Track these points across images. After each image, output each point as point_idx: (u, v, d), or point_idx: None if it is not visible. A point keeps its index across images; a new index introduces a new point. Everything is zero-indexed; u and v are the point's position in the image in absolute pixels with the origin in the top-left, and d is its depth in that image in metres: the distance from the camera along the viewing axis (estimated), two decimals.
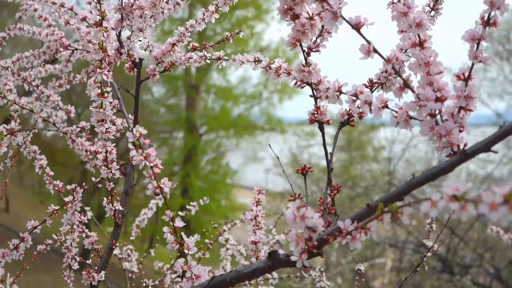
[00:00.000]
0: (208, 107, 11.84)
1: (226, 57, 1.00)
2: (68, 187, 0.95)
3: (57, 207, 0.98)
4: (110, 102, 0.85)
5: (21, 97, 1.30)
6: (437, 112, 0.57)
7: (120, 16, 1.00)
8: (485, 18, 0.57)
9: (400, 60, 0.65)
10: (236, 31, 1.06)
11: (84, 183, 1.00)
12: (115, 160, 0.97)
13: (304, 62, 0.67)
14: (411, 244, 6.72)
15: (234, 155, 12.21)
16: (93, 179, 1.00)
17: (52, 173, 1.17)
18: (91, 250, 1.07)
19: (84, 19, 1.10)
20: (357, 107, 0.71)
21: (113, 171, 0.96)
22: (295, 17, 0.63)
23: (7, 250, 0.94)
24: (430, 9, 0.79)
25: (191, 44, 1.06)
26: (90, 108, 0.86)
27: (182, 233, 0.71)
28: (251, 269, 0.64)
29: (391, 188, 6.52)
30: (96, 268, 0.98)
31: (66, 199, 0.95)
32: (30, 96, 1.30)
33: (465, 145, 0.56)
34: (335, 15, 0.56)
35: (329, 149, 0.72)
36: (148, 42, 1.02)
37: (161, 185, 0.69)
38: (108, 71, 0.81)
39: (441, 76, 0.60)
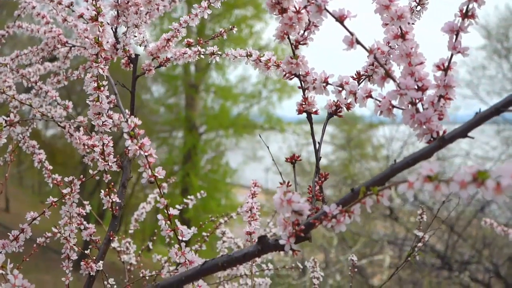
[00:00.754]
0: (208, 107, 11.86)
1: (219, 52, 1.03)
2: (66, 179, 0.97)
3: (55, 199, 1.00)
4: (107, 96, 0.88)
5: (20, 94, 1.33)
6: (417, 100, 0.59)
7: (116, 12, 1.03)
8: (464, 11, 0.60)
9: (382, 51, 0.67)
10: (230, 27, 1.08)
11: (82, 176, 1.03)
12: (112, 153, 1.00)
13: (292, 54, 0.69)
14: (409, 241, 6.75)
15: (234, 154, 12.23)
16: (90, 171, 1.02)
17: (51, 167, 1.20)
18: (90, 241, 1.09)
19: (81, 16, 1.12)
20: (344, 98, 0.74)
21: (110, 164, 0.98)
22: (283, 11, 0.65)
23: (7, 241, 0.96)
24: (416, 4, 0.81)
25: (185, 40, 1.09)
26: (87, 101, 0.89)
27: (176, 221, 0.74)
28: (242, 253, 0.66)
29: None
30: (94, 258, 1.01)
31: (64, 191, 0.98)
32: (29, 93, 1.32)
33: (444, 131, 0.58)
34: (319, 8, 0.59)
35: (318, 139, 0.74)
36: (143, 37, 1.04)
37: (156, 174, 0.71)
38: (104, 65, 0.83)
39: (422, 67, 0.62)
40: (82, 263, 1.04)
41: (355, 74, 0.76)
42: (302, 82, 0.71)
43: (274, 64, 0.80)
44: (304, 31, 0.70)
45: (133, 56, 1.10)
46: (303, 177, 7.46)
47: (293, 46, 0.69)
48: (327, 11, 0.59)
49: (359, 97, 0.66)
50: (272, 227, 1.52)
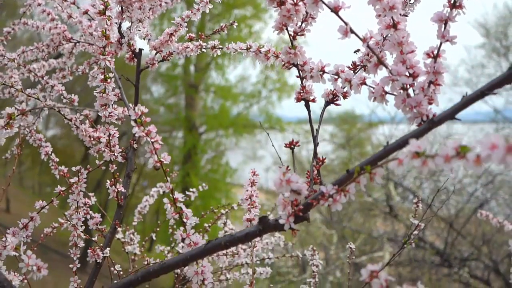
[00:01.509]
0: (208, 106, 11.90)
1: (220, 46, 1.06)
2: (74, 168, 1.01)
3: (63, 188, 1.04)
4: (113, 88, 0.91)
5: (26, 89, 1.37)
6: (408, 86, 0.63)
7: (120, 8, 1.06)
8: (451, 1, 0.64)
9: (377, 42, 0.71)
10: (231, 22, 1.12)
11: (89, 166, 1.06)
12: (118, 143, 1.04)
13: (290, 45, 0.73)
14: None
15: (234, 154, 12.27)
16: (95, 161, 1.06)
17: (57, 159, 1.23)
18: (96, 230, 1.13)
19: (86, 12, 1.16)
20: (341, 87, 0.78)
21: (115, 154, 1.02)
22: (281, 3, 0.69)
23: (17, 229, 1.00)
24: None
25: (187, 35, 1.12)
26: (94, 93, 0.93)
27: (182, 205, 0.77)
28: (244, 233, 0.70)
29: (388, 183, 6.58)
30: (101, 245, 1.05)
31: (72, 180, 1.01)
32: (35, 88, 1.36)
33: (433, 115, 0.62)
34: (315, 0, 0.63)
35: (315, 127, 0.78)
36: (147, 31, 1.08)
37: (161, 159, 0.75)
38: (111, 58, 0.87)
39: (413, 55, 0.66)
40: (89, 250, 1.07)
41: (351, 65, 0.79)
42: (300, 72, 0.75)
43: (273, 54, 0.84)
44: (302, 22, 0.73)
45: (137, 50, 1.13)
46: (303, 175, 7.47)
47: (291, 37, 0.73)
48: (323, 2, 0.62)
49: (354, 85, 0.69)
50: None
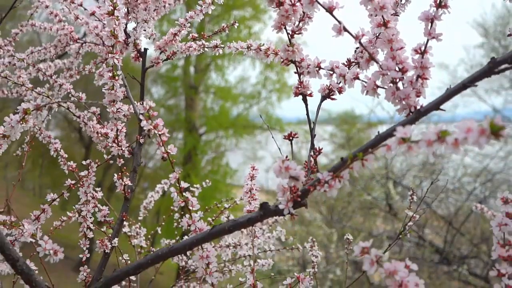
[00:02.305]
0: (207, 107, 11.94)
1: (222, 45, 1.11)
2: (84, 162, 1.06)
3: (73, 181, 1.09)
4: (120, 85, 0.96)
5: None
6: (398, 80, 0.68)
7: (126, 9, 1.11)
8: (438, 1, 0.69)
9: (370, 40, 0.76)
10: (232, 22, 1.17)
11: (97, 160, 1.11)
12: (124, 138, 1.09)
13: (288, 42, 0.78)
14: (409, 236, 6.84)
15: (234, 155, 12.31)
16: (105, 155, 1.11)
17: (66, 155, 1.28)
18: (104, 222, 1.18)
19: (93, 13, 1.21)
20: (336, 82, 0.83)
21: (123, 149, 1.07)
22: (280, 4, 0.74)
23: (29, 220, 1.05)
24: None
25: (190, 35, 1.18)
26: (103, 90, 0.98)
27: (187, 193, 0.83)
28: (246, 218, 0.75)
29: (387, 182, 6.63)
30: (110, 235, 1.10)
31: (82, 173, 1.06)
32: (43, 87, 1.41)
33: (421, 106, 0.67)
34: (311, 1, 0.68)
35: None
36: (152, 31, 1.13)
37: (168, 150, 0.80)
38: (119, 56, 0.92)
39: (403, 51, 0.71)
40: (97, 241, 1.12)
41: (346, 61, 0.85)
42: (298, 68, 0.80)
43: (273, 52, 0.89)
44: (299, 22, 0.78)
45: (142, 50, 1.18)
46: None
47: (289, 35, 0.78)
48: (318, 2, 0.68)
49: (348, 79, 0.74)
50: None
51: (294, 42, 0.78)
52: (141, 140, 1.12)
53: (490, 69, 0.61)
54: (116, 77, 0.93)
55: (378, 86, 0.71)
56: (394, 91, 0.68)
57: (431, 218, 7.39)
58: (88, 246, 1.12)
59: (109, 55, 0.89)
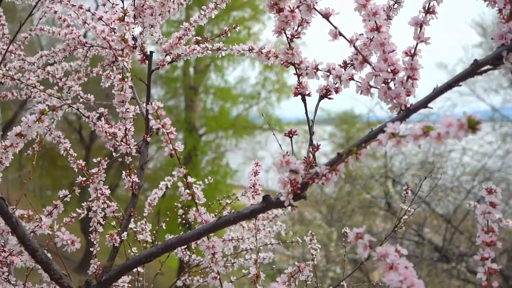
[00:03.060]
0: (207, 108, 11.99)
1: (225, 48, 1.17)
2: (94, 160, 1.12)
3: (83, 178, 1.14)
4: (130, 86, 1.02)
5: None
6: (389, 80, 0.74)
7: (133, 15, 1.17)
8: (426, 8, 0.74)
9: (365, 43, 0.82)
10: (233, 25, 1.23)
11: (106, 158, 1.17)
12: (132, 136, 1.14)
13: (288, 46, 0.84)
14: (408, 235, 6.90)
15: (234, 155, 12.35)
16: (114, 154, 1.17)
17: (75, 154, 1.34)
18: (112, 217, 1.24)
19: (100, 18, 1.27)
20: (334, 83, 0.88)
21: (131, 147, 1.13)
22: (280, 10, 0.80)
23: (43, 215, 1.10)
24: (394, 2, 0.96)
25: (194, 38, 1.23)
26: (112, 91, 1.03)
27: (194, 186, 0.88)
28: (249, 210, 0.80)
29: (386, 181, 6.69)
30: (119, 230, 1.15)
31: (92, 170, 1.12)
32: (52, 89, 1.46)
33: (411, 104, 0.73)
34: (309, 8, 0.74)
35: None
36: (159, 35, 1.19)
37: (176, 148, 0.85)
38: (128, 59, 0.97)
39: (394, 54, 0.77)
40: (107, 236, 1.18)
41: (342, 63, 0.90)
42: (297, 69, 0.85)
43: (274, 55, 0.94)
44: (298, 26, 0.84)
45: (148, 53, 1.24)
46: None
47: (288, 39, 0.84)
48: (316, 9, 0.73)
49: (343, 80, 0.80)
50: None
51: (293, 46, 0.84)
52: (148, 139, 1.18)
53: (473, 70, 0.67)
54: (126, 79, 0.99)
55: (371, 86, 0.77)
56: (386, 90, 0.74)
57: (430, 217, 7.45)
58: (98, 240, 1.18)
59: (119, 58, 0.95)
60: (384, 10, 0.90)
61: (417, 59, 0.75)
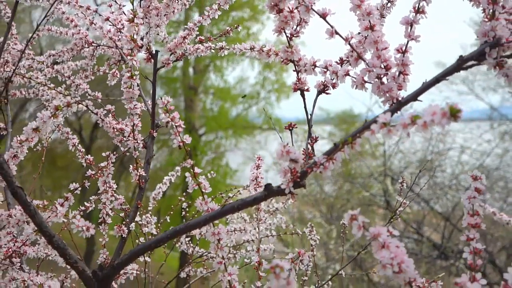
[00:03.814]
0: (207, 108, 12.04)
1: (227, 47, 1.23)
2: (103, 154, 1.17)
3: (93, 172, 1.20)
4: (138, 84, 1.07)
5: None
6: (382, 75, 0.79)
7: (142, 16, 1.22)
8: (416, 8, 0.80)
9: (360, 41, 0.87)
10: (235, 25, 1.28)
11: (115, 152, 1.22)
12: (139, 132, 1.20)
13: (288, 44, 0.89)
14: (408, 233, 6.97)
15: (234, 155, 12.41)
16: (121, 150, 1.22)
17: (83, 150, 1.40)
18: (120, 210, 1.29)
19: (107, 19, 1.33)
20: (331, 79, 0.94)
21: (138, 141, 1.18)
22: (280, 11, 0.85)
23: (55, 207, 1.15)
24: (387, 1, 1.01)
25: (198, 38, 1.29)
26: (121, 88, 1.09)
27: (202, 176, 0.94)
28: (252, 198, 0.86)
29: (385, 179, 6.75)
30: (127, 221, 1.21)
31: (102, 164, 1.18)
32: (60, 87, 1.52)
33: (402, 98, 0.78)
34: (307, 8, 0.79)
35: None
36: (165, 35, 1.24)
37: (184, 140, 0.91)
38: (137, 58, 1.03)
39: (387, 51, 0.82)
40: (115, 227, 1.23)
41: (339, 60, 0.96)
42: (296, 66, 0.91)
43: (274, 53, 1.00)
44: (297, 26, 0.89)
45: (153, 52, 1.30)
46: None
47: (288, 38, 0.89)
48: (313, 10, 0.79)
49: (339, 75, 0.86)
50: (274, 202, 1.72)
51: (292, 44, 0.89)
52: (154, 134, 1.23)
53: (459, 65, 0.72)
54: (134, 77, 1.04)
55: (365, 81, 0.82)
56: (379, 85, 0.79)
57: (429, 215, 7.52)
58: (106, 230, 1.23)
59: (128, 57, 1.01)
60: (377, 9, 0.96)
61: (408, 56, 0.80)
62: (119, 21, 1.32)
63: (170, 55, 1.28)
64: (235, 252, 1.51)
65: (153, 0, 1.21)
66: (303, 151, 0.94)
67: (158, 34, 1.23)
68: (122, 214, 1.24)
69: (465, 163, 8.34)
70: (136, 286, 1.55)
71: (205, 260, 1.60)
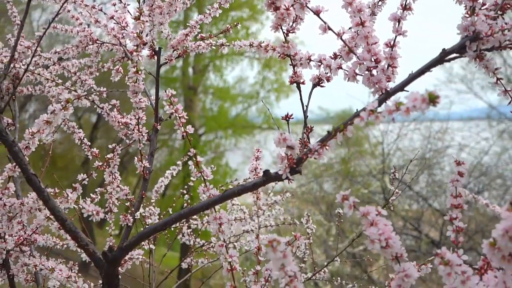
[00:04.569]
0: (206, 108, 12.10)
1: (227, 44, 1.28)
2: (110, 146, 1.23)
3: (100, 163, 1.26)
4: (143, 78, 1.13)
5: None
6: (372, 68, 0.85)
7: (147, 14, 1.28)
8: (403, 5, 0.86)
9: (352, 36, 0.93)
10: (235, 23, 1.34)
11: (120, 145, 1.28)
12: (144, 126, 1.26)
13: (284, 40, 0.95)
14: (407, 230, 7.04)
15: (233, 155, 12.46)
16: (129, 145, 1.28)
17: (89, 143, 1.45)
18: (125, 200, 1.35)
19: (112, 17, 1.39)
20: (325, 72, 1.00)
21: (143, 134, 1.24)
22: (277, 8, 0.91)
23: (64, 198, 1.21)
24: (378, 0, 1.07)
25: (199, 35, 1.35)
26: (127, 83, 1.15)
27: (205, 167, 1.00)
28: (252, 183, 0.92)
29: (384, 176, 6.81)
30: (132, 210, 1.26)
31: (108, 156, 1.23)
32: (65, 84, 1.58)
33: (390, 89, 0.84)
34: (302, 6, 0.85)
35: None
36: (168, 32, 1.30)
37: (187, 130, 0.97)
38: (142, 54, 1.09)
39: (376, 46, 0.88)
40: (121, 216, 1.29)
41: (333, 55, 1.01)
42: (292, 60, 0.97)
43: (271, 48, 1.06)
44: (293, 22, 0.95)
45: (156, 49, 1.36)
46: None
47: (285, 34, 0.95)
48: (308, 7, 0.85)
49: (333, 69, 0.92)
50: (272, 195, 1.78)
51: (289, 39, 0.95)
52: (158, 127, 1.29)
53: (441, 58, 0.78)
54: (139, 72, 1.10)
55: (357, 74, 0.88)
56: (369, 77, 0.85)
57: (427, 212, 7.59)
58: (113, 219, 1.29)
59: (134, 53, 1.06)
60: (369, 7, 1.02)
61: (396, 50, 0.86)
62: (123, 19, 1.38)
63: (173, 51, 1.34)
64: (235, 241, 1.57)
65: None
66: (299, 140, 1.00)
67: (162, 32, 1.29)
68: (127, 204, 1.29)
69: (463, 161, 8.39)
70: (140, 275, 1.61)
71: (206, 249, 1.66)
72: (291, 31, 0.95)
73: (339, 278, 1.77)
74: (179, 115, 0.96)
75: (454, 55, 0.79)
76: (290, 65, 0.98)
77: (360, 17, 0.87)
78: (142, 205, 1.68)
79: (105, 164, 1.27)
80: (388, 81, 0.86)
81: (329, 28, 0.85)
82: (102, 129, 11.49)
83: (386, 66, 0.86)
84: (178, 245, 10.04)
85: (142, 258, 1.29)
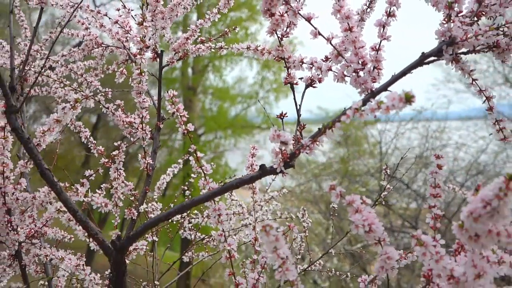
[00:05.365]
0: (206, 108, 12.16)
1: (226, 46, 1.36)
2: (115, 143, 1.31)
3: (106, 160, 1.33)
4: (146, 80, 1.21)
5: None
6: (359, 70, 0.93)
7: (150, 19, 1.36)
8: (388, 12, 0.93)
9: (342, 41, 1.00)
10: (233, 27, 1.42)
11: (125, 142, 1.35)
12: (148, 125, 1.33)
13: (279, 44, 1.03)
14: (406, 228, 7.11)
15: (233, 155, 12.53)
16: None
17: (95, 141, 1.53)
18: (129, 195, 1.42)
19: (116, 22, 1.46)
20: (316, 74, 1.07)
21: (146, 132, 1.32)
22: (272, 14, 0.98)
23: (73, 192, 1.29)
24: (367, 7, 1.15)
25: (199, 38, 1.42)
26: (131, 84, 1.22)
27: (203, 159, 1.07)
28: (249, 177, 0.99)
29: (381, 175, 6.88)
30: (137, 203, 1.34)
31: (114, 153, 1.31)
32: (71, 86, 1.65)
33: (375, 89, 0.92)
34: (294, 13, 0.93)
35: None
36: (170, 36, 1.38)
37: (188, 128, 1.04)
38: (145, 57, 1.16)
39: (364, 49, 0.95)
40: (125, 210, 1.37)
41: (324, 58, 1.09)
42: (286, 63, 1.04)
43: (267, 51, 1.13)
44: (287, 27, 1.03)
45: (159, 52, 1.43)
46: (300, 169, 7.79)
47: (279, 38, 1.03)
48: (300, 14, 0.92)
49: (323, 70, 0.99)
50: (270, 191, 1.85)
51: (283, 43, 1.03)
52: (161, 126, 1.36)
53: (421, 61, 0.86)
54: (143, 73, 1.17)
55: (345, 75, 0.96)
56: (356, 78, 0.93)
57: (425, 210, 7.66)
58: (119, 212, 1.36)
59: (138, 56, 1.14)
60: (358, 14, 1.09)
61: (381, 53, 0.94)
62: (127, 24, 1.45)
63: (174, 54, 1.42)
64: (233, 234, 1.64)
65: (159, 5, 1.35)
66: (293, 136, 1.08)
67: (163, 36, 1.36)
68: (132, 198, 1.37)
69: (461, 159, 8.49)
70: (143, 271, 1.68)
71: (206, 243, 1.73)
72: (285, 35, 1.03)
73: (333, 270, 1.84)
74: (181, 114, 1.03)
75: (432, 58, 0.86)
76: (284, 67, 1.06)
77: (348, 23, 0.95)
78: (145, 201, 1.75)
79: (110, 160, 1.35)
80: (374, 82, 0.93)
81: (319, 34, 0.93)
82: (102, 129, 11.57)
83: (372, 68, 0.94)
84: (178, 246, 10.11)
85: (146, 248, 1.36)
